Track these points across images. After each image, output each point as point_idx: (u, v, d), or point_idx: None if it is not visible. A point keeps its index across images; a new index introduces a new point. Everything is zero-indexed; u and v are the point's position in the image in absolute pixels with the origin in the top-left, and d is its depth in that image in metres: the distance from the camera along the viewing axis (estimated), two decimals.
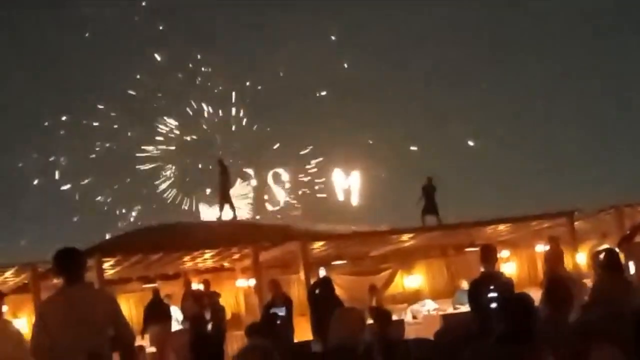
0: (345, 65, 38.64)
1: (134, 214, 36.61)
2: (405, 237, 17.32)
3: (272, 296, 12.47)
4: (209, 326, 13.68)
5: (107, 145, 38.05)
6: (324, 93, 38.78)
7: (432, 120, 37.34)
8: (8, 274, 14.70)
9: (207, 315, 14.31)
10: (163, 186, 37.91)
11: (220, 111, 38.32)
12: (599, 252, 10.49)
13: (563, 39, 38.08)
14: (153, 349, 14.19)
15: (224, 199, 23.09)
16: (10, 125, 35.56)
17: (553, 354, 4.18)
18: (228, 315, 15.95)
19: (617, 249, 8.24)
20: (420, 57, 37.31)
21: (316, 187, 38.40)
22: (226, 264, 17.38)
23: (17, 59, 36.24)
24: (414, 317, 16.21)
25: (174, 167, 37.98)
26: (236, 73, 38.07)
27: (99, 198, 37.62)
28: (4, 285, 15.69)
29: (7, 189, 35.78)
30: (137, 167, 37.97)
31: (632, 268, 8.98)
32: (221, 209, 22.90)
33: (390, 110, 37.29)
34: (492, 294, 7.65)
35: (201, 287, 16.21)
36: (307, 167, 38.18)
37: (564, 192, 30.25)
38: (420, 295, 18.44)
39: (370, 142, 37.63)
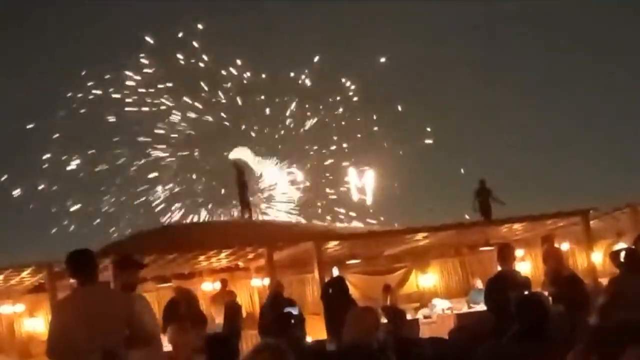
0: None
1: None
2: (419, 236, 17.28)
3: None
4: (221, 326, 13.76)
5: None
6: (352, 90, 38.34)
7: (447, 114, 37.22)
8: (25, 273, 14.79)
9: (218, 316, 14.40)
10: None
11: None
12: (619, 251, 10.40)
13: (575, 34, 37.79)
14: (169, 348, 14.23)
15: (243, 200, 23.58)
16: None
17: (571, 352, 4.16)
18: (243, 315, 16.01)
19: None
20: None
21: (330, 186, 38.37)
22: (241, 264, 17.42)
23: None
24: (428, 317, 16.18)
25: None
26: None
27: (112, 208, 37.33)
28: (21, 285, 15.82)
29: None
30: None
31: None
32: (243, 209, 23.51)
33: (409, 108, 37.28)
34: (509, 293, 7.63)
35: (217, 286, 16.36)
36: (324, 164, 38.17)
37: (579, 190, 30.09)
38: (435, 295, 18.41)
39: (401, 153, 37.37)
